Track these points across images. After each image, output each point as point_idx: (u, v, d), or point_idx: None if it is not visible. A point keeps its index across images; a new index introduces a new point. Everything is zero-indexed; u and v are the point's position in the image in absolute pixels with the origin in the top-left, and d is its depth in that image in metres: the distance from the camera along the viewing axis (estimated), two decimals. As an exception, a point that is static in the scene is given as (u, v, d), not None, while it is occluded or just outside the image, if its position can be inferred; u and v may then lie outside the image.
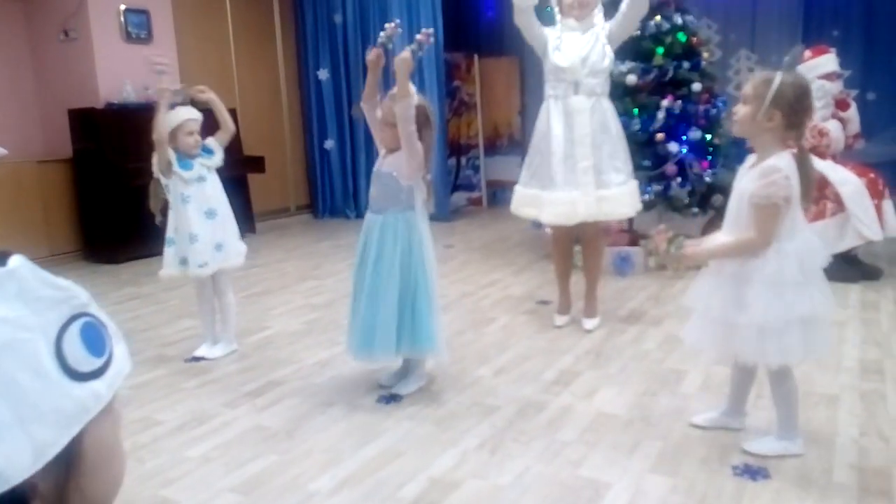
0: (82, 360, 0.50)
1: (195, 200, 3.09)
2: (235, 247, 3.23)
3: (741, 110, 2.04)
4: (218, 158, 3.19)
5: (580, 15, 3.30)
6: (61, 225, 5.60)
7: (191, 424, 2.53)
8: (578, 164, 3.25)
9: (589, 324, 3.47)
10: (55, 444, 0.48)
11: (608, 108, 3.32)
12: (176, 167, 3.06)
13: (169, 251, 3.17)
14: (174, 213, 3.13)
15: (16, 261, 0.50)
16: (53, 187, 5.56)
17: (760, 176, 1.97)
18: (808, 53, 4.27)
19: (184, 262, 3.13)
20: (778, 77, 1.98)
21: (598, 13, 3.35)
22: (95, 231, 5.59)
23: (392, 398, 2.70)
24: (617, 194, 3.28)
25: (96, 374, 0.51)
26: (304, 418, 2.57)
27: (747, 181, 2.02)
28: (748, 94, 2.02)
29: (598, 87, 3.29)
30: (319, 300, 4.24)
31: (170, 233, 3.16)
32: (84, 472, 0.51)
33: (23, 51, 5.87)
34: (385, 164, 2.67)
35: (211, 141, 3.19)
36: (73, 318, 0.51)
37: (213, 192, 3.15)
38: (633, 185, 3.40)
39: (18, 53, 5.85)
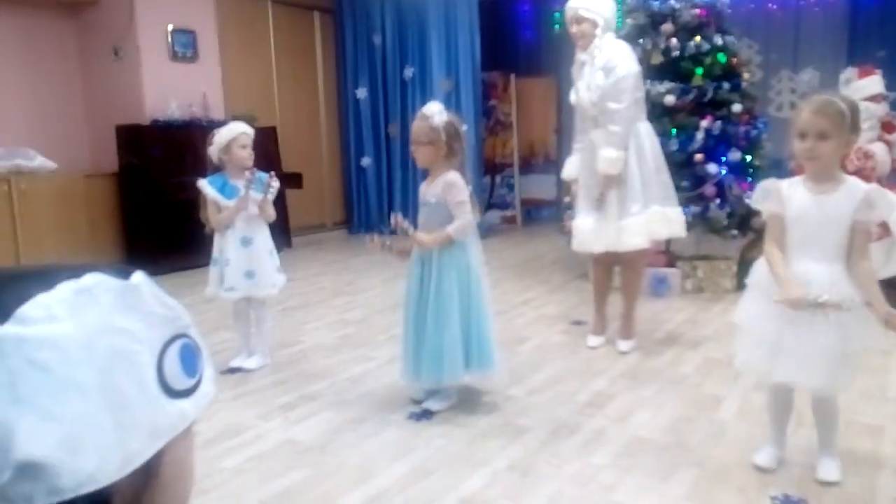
0: (178, 378, 0.53)
1: (234, 227, 3.18)
2: (270, 278, 3.26)
3: (823, 147, 1.93)
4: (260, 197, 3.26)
5: (584, 46, 3.28)
6: (106, 236, 5.75)
7: (225, 436, 2.56)
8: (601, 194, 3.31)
9: (624, 345, 3.43)
10: (141, 455, 0.49)
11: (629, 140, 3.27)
12: (221, 198, 3.16)
13: (213, 270, 3.26)
14: (217, 236, 3.23)
15: (138, 277, 0.53)
16: (99, 200, 5.72)
17: (871, 203, 1.93)
18: (852, 73, 4.21)
19: (222, 282, 3.22)
20: (844, 103, 1.94)
21: (604, 39, 3.24)
22: (138, 243, 5.73)
23: (423, 415, 2.70)
24: (632, 224, 3.25)
25: (187, 393, 0.54)
26: (337, 433, 2.58)
27: (839, 206, 1.95)
28: (826, 128, 1.92)
29: None
30: (353, 315, 4.28)
31: (215, 253, 3.25)
32: (158, 486, 0.52)
33: (74, 69, 6.09)
34: (429, 194, 2.71)
35: (266, 177, 3.23)
36: (176, 337, 0.54)
37: (253, 222, 3.22)
38: (655, 213, 3.30)
39: (70, 71, 6.06)
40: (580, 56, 3.32)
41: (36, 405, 0.44)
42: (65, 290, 0.48)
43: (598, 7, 3.23)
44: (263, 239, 3.26)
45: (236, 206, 3.15)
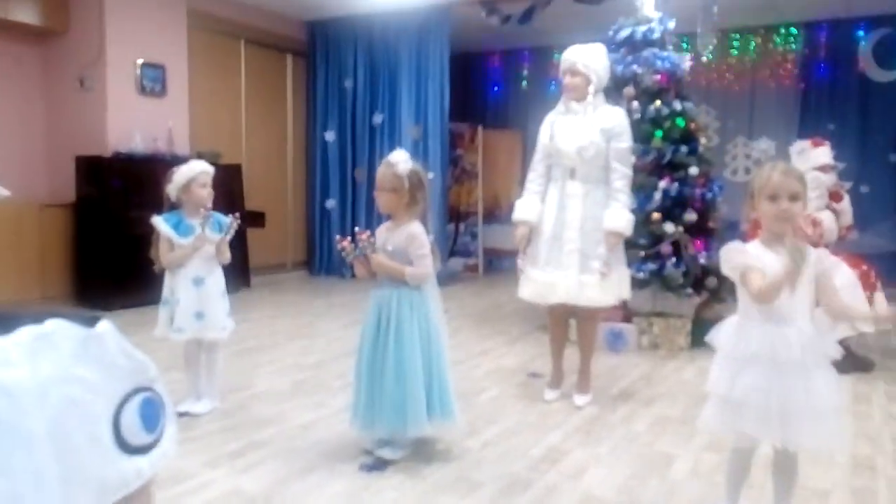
0: (136, 433, 0.51)
1: (186, 266, 3.12)
2: (220, 320, 3.21)
3: (795, 207, 1.99)
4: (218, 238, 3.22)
5: (573, 97, 3.32)
6: (57, 269, 5.60)
7: (168, 483, 2.46)
8: (565, 246, 3.29)
9: (580, 400, 3.44)
10: None
11: (604, 197, 3.29)
12: (175, 236, 3.10)
13: (163, 310, 3.19)
14: (169, 275, 3.17)
15: (104, 326, 0.52)
16: (53, 231, 5.58)
17: (821, 262, 2.02)
18: (805, 144, 4.39)
19: (171, 322, 3.15)
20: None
21: (597, 98, 3.33)
22: (90, 277, 5.58)
23: (375, 466, 2.64)
24: (599, 281, 3.25)
25: (144, 450, 0.52)
26: (284, 483, 2.51)
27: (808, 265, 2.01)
28: (797, 190, 1.99)
29: (594, 175, 3.29)
30: (309, 360, 4.21)
31: (166, 293, 3.19)
32: None
33: (37, 97, 6.01)
34: (389, 242, 2.72)
35: (225, 219, 3.20)
36: (138, 390, 0.52)
37: (207, 262, 3.17)
38: (621, 273, 3.38)
39: (33, 99, 5.98)
40: (573, 105, 3.33)
41: None
42: (24, 334, 0.47)
43: (594, 64, 3.29)
44: (216, 280, 3.21)
45: (192, 244, 3.10)
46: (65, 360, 0.48)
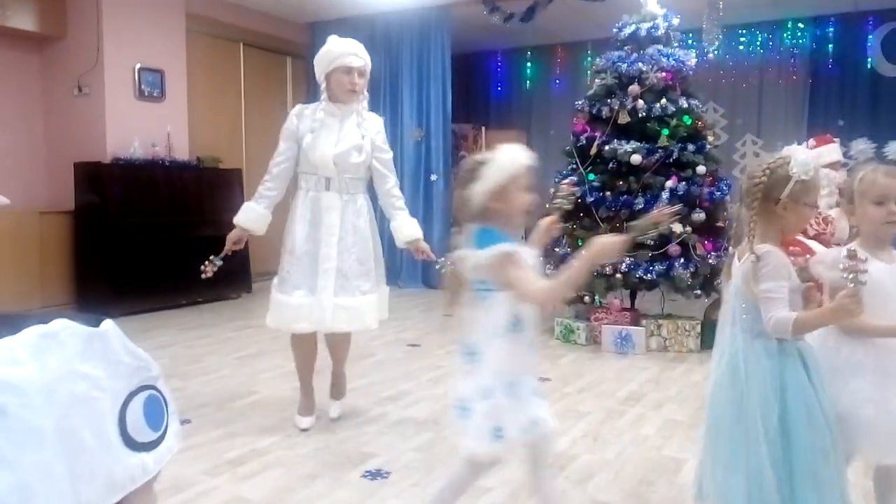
0: (140, 430, 0.52)
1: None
2: None
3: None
4: None
5: (349, 100, 2.96)
6: (56, 277, 5.55)
7: (168, 492, 2.41)
8: (321, 266, 2.90)
9: (335, 411, 3.20)
10: None
11: (363, 207, 3.01)
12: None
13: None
14: None
15: (107, 324, 0.53)
16: (52, 239, 5.54)
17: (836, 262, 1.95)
18: (812, 143, 4.32)
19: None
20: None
21: (364, 100, 3.02)
22: (90, 284, 5.53)
23: (378, 474, 2.58)
24: (362, 304, 2.93)
25: (149, 446, 0.53)
26: (287, 491, 2.45)
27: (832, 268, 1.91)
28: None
29: (353, 186, 2.99)
30: (312, 365, 4.14)
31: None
32: None
33: (36, 103, 5.97)
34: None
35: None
36: (142, 388, 0.53)
37: None
38: (384, 291, 3.11)
39: (31, 106, 5.94)
40: (339, 108, 2.97)
41: None
42: (30, 333, 0.48)
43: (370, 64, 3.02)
44: None
45: None
46: (71, 358, 0.49)
